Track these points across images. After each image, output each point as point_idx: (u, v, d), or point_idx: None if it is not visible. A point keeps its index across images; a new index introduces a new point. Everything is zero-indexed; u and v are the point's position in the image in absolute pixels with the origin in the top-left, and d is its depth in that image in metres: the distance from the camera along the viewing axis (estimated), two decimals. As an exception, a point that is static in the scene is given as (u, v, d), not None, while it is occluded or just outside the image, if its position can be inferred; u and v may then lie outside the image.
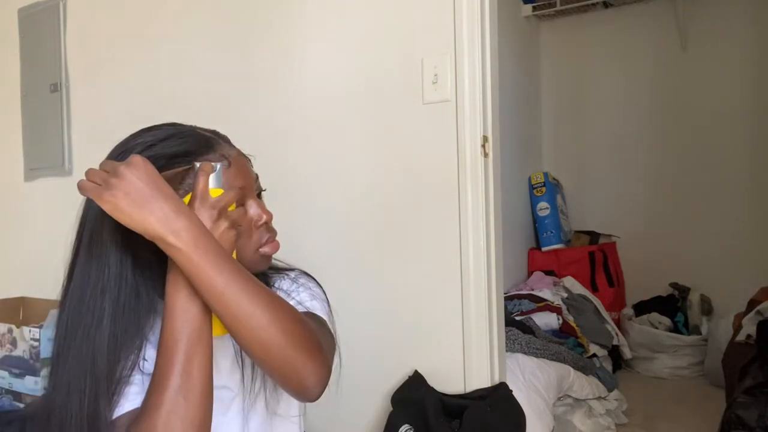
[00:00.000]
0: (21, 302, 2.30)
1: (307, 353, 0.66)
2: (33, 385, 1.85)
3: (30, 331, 1.86)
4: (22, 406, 1.85)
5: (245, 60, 1.80)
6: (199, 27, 1.90)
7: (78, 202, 0.73)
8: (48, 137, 2.33)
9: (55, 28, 2.30)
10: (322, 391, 0.69)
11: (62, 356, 0.71)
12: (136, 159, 0.64)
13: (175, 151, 0.74)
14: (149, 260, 0.72)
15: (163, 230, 0.62)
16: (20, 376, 1.87)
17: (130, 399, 0.71)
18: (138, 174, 0.63)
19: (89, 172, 0.65)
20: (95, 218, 0.71)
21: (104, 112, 2.16)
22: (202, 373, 0.67)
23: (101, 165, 0.67)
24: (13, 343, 1.90)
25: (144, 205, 0.62)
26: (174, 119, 0.81)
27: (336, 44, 1.64)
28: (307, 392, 0.68)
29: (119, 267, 0.71)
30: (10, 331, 1.91)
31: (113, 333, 0.70)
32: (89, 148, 2.22)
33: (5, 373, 1.91)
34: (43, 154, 2.36)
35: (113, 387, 0.70)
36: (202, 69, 1.90)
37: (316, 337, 0.69)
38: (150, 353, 0.73)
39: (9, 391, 1.90)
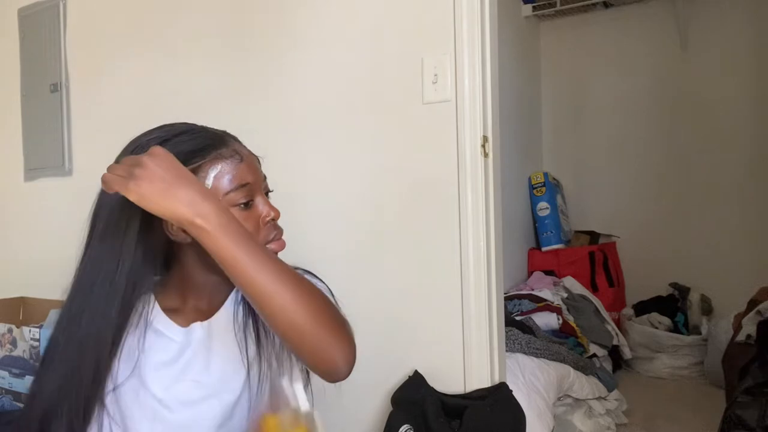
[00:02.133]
0: (21, 302, 2.30)
1: (335, 332, 0.68)
2: (33, 385, 1.85)
3: (30, 331, 1.86)
4: (22, 406, 1.85)
5: (245, 60, 1.80)
6: (199, 28, 1.90)
7: (78, 202, 0.74)
8: (48, 137, 2.32)
9: (55, 28, 2.30)
10: (351, 370, 0.70)
11: (63, 348, 0.74)
12: (157, 149, 0.65)
13: (192, 146, 0.75)
14: (155, 257, 0.75)
15: (191, 214, 0.63)
16: (20, 376, 1.87)
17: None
18: (159, 162, 0.64)
19: (112, 167, 0.66)
20: (108, 217, 0.72)
21: (104, 112, 2.16)
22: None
23: (122, 161, 0.67)
24: (13, 343, 1.90)
25: (169, 191, 0.63)
26: (174, 120, 0.81)
27: (336, 44, 1.64)
28: (339, 370, 0.69)
29: (132, 260, 0.73)
30: (10, 331, 1.91)
31: (118, 325, 0.73)
32: (89, 148, 2.22)
33: (5, 373, 1.91)
34: (43, 154, 2.36)
35: (109, 367, 0.74)
36: (201, 69, 1.89)
37: (341, 315, 0.71)
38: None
39: (9, 391, 1.90)
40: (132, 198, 0.63)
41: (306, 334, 0.66)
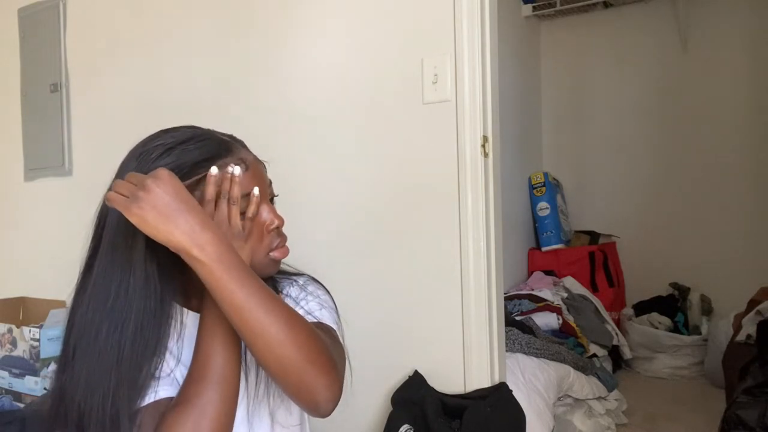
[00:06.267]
0: (21, 302, 2.30)
1: (320, 370, 0.68)
2: (33, 385, 1.85)
3: (30, 331, 1.86)
4: (22, 406, 1.85)
5: (245, 61, 1.80)
6: (200, 28, 1.90)
7: (78, 202, 0.74)
8: (48, 137, 2.33)
9: (55, 28, 2.30)
10: (334, 408, 0.70)
11: (81, 355, 0.71)
12: (162, 173, 0.66)
13: (197, 156, 0.74)
14: (171, 267, 0.73)
15: (188, 243, 0.64)
16: (20, 376, 1.87)
17: (153, 390, 0.73)
18: (164, 188, 0.64)
19: (116, 184, 0.66)
20: (118, 222, 0.71)
21: (104, 112, 2.16)
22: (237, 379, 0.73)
23: (127, 176, 0.67)
24: (13, 343, 1.90)
25: (170, 218, 0.64)
26: (175, 119, 0.81)
27: (336, 44, 1.64)
28: (319, 408, 0.69)
29: (145, 273, 0.71)
30: (10, 331, 1.91)
31: (142, 338, 0.71)
32: (89, 148, 2.22)
33: (5, 373, 1.91)
34: (43, 154, 2.36)
35: (136, 390, 0.71)
36: (201, 70, 1.90)
37: (330, 354, 0.71)
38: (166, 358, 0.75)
39: (9, 391, 1.90)
40: (133, 221, 0.64)
41: (292, 370, 0.66)
